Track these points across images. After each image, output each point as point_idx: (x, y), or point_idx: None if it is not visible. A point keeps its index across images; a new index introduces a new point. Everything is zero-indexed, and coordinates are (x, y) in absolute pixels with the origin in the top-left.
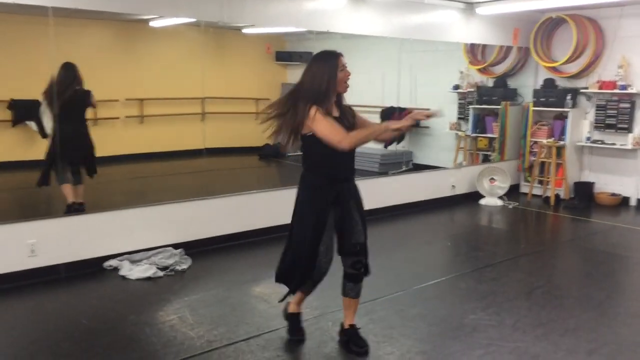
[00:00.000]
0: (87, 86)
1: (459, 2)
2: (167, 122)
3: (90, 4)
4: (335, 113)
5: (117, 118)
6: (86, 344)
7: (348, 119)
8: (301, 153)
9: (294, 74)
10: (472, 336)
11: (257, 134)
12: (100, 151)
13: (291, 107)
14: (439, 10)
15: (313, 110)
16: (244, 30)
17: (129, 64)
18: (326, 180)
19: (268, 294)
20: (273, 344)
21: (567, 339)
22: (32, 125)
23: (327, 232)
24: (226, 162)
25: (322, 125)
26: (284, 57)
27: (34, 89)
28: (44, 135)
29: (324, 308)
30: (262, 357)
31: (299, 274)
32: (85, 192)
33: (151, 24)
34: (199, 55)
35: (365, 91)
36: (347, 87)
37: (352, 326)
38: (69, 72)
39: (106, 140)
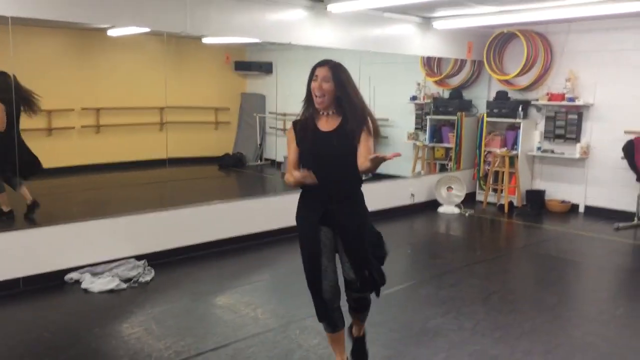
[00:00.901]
0: (42, 95)
1: (417, 16)
2: (125, 132)
3: (53, 14)
4: (327, 126)
5: (73, 128)
6: (50, 359)
7: (345, 137)
8: None
9: (254, 84)
10: (434, 341)
11: (217, 143)
12: (55, 162)
13: None
14: (398, 24)
15: (289, 129)
16: (204, 40)
17: (86, 73)
18: (312, 196)
19: (234, 304)
20: (242, 353)
21: (523, 341)
22: None
23: (325, 253)
24: (186, 172)
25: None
26: (243, 66)
27: None
28: None
29: (290, 317)
30: None
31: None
32: (41, 204)
33: (109, 32)
34: (157, 65)
35: None
36: (318, 100)
37: (357, 338)
38: None
39: (61, 151)
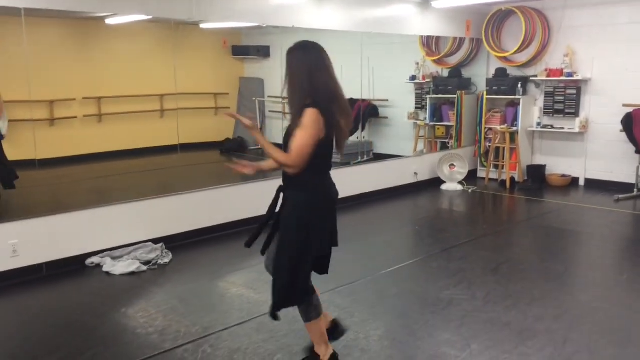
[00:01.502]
0: (43, 85)
1: None
2: (126, 120)
3: (63, 5)
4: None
5: (75, 117)
6: (82, 337)
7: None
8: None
9: (252, 68)
10: (448, 310)
11: (217, 128)
12: (58, 151)
13: None
14: (397, 4)
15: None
16: (202, 25)
17: (86, 63)
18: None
19: (252, 282)
20: (265, 326)
21: (534, 308)
22: None
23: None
24: (188, 158)
25: None
26: (241, 51)
27: None
28: None
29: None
30: (257, 339)
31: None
32: (49, 192)
33: (107, 21)
34: (156, 52)
35: None
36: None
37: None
38: None
39: (64, 141)
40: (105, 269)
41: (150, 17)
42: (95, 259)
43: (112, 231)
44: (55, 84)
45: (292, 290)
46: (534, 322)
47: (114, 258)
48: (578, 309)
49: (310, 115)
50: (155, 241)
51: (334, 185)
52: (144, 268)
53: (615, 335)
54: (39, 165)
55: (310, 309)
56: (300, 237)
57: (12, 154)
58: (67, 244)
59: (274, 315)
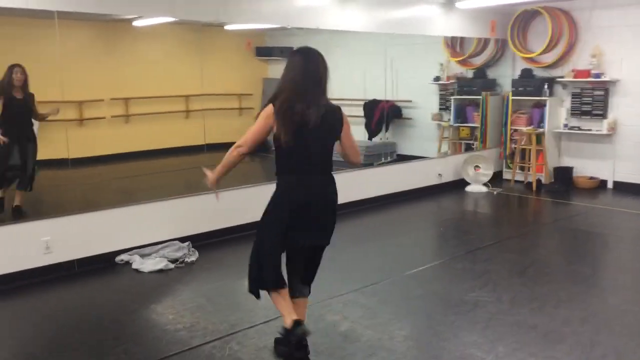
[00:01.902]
0: (73, 86)
1: None
2: (153, 121)
3: (94, 8)
4: None
5: (103, 118)
6: (113, 332)
7: None
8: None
9: (275, 69)
10: (474, 312)
11: (241, 129)
12: (87, 151)
13: None
14: (421, 4)
15: None
16: (226, 27)
17: (113, 64)
18: None
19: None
20: None
21: (561, 310)
22: None
23: None
24: (212, 158)
25: None
26: (265, 52)
27: None
28: None
29: (333, 291)
30: None
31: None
32: (78, 192)
33: (134, 23)
34: (181, 53)
35: (348, 85)
36: None
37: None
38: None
39: (93, 141)
40: (134, 266)
41: (177, 19)
42: (124, 257)
43: (141, 229)
44: (84, 85)
45: (255, 273)
46: (561, 325)
47: (142, 256)
48: (606, 311)
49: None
50: (182, 240)
51: (312, 186)
52: (172, 266)
53: None
54: (71, 164)
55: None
56: (261, 227)
57: (46, 153)
58: (98, 241)
59: (251, 292)
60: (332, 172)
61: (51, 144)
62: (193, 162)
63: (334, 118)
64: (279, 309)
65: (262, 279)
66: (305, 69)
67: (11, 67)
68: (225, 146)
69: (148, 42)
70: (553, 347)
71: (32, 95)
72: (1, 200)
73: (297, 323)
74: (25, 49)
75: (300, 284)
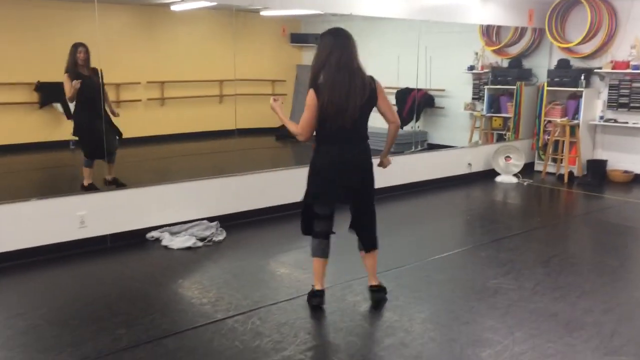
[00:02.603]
0: (110, 70)
1: None
2: (187, 104)
3: None
4: None
5: (139, 100)
6: (142, 303)
7: None
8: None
9: (309, 56)
10: (495, 298)
11: (274, 114)
12: (124, 133)
13: None
14: None
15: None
16: (262, 13)
17: (150, 48)
18: None
19: (301, 262)
20: None
21: (583, 300)
22: (58, 107)
23: None
24: (245, 142)
25: None
26: (299, 39)
27: (59, 72)
28: (69, 116)
29: (354, 273)
30: (304, 314)
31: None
32: (115, 171)
33: (172, 7)
34: (217, 39)
35: (381, 72)
36: None
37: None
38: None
39: (129, 123)
40: (163, 243)
41: (214, 3)
42: (155, 234)
43: (171, 208)
44: (121, 68)
45: (303, 220)
46: (582, 315)
47: (172, 233)
48: (630, 303)
49: (308, 95)
50: (211, 219)
51: (347, 151)
52: (200, 244)
53: None
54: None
55: (315, 247)
56: (308, 185)
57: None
58: (130, 218)
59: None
60: (367, 140)
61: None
62: (225, 146)
63: (370, 89)
64: (314, 272)
65: (304, 225)
66: (339, 47)
67: (75, 46)
68: (257, 131)
69: (184, 27)
70: (571, 335)
71: (97, 71)
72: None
73: (317, 294)
74: (64, 31)
75: (361, 236)
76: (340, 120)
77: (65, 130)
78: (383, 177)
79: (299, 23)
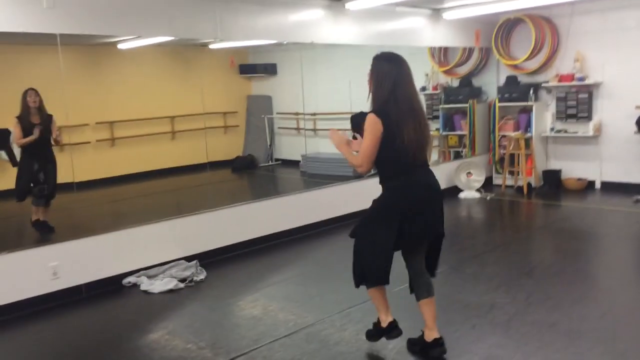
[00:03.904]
0: (56, 112)
1: (427, 8)
2: (139, 143)
3: (96, 30)
4: None
5: (89, 142)
6: (136, 354)
7: None
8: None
9: (259, 86)
10: (492, 313)
11: (227, 147)
12: (73, 177)
13: None
14: (410, 17)
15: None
16: (211, 46)
17: (98, 88)
18: None
19: (292, 294)
20: (315, 337)
21: (577, 308)
22: (2, 154)
23: None
24: (201, 177)
25: None
26: (248, 69)
27: (3, 118)
28: (14, 164)
29: (350, 302)
30: (309, 348)
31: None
32: (72, 216)
33: (119, 46)
34: (165, 75)
35: (332, 98)
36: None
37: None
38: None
39: (79, 166)
40: (142, 287)
41: (177, 38)
42: (131, 279)
43: (146, 250)
44: (69, 110)
45: (359, 269)
46: (580, 323)
47: (149, 277)
48: (620, 308)
49: (369, 120)
50: (188, 259)
51: (419, 183)
52: (181, 285)
53: None
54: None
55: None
56: (371, 228)
57: None
58: (104, 264)
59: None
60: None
61: None
62: (181, 183)
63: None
64: (376, 305)
65: (366, 276)
66: (399, 74)
67: (25, 92)
68: (211, 165)
69: (132, 65)
70: (575, 344)
71: (50, 117)
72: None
73: (395, 327)
74: (6, 74)
75: (422, 281)
76: (419, 156)
77: (10, 179)
78: (351, 203)
79: (246, 54)
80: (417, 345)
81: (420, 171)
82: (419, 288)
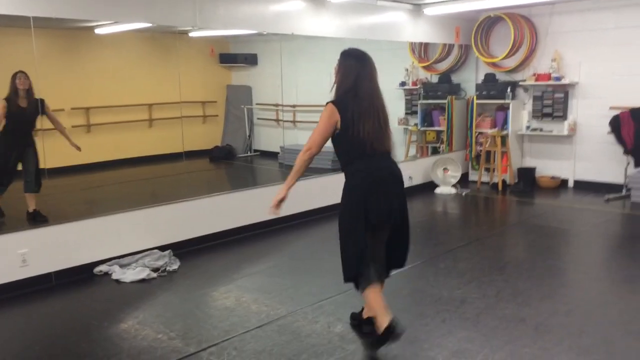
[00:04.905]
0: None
1: (408, 3)
2: (115, 130)
3: (70, 13)
4: None
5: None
6: (105, 343)
7: None
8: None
9: (239, 76)
10: (463, 307)
11: (206, 136)
12: (47, 163)
13: None
14: (391, 11)
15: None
16: (191, 34)
17: (74, 73)
18: None
19: (265, 286)
20: (286, 328)
21: (545, 304)
22: None
23: None
24: (179, 166)
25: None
26: (229, 59)
27: None
28: None
29: (327, 293)
30: (280, 340)
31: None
32: (42, 203)
33: (96, 31)
34: (144, 61)
35: (312, 90)
36: None
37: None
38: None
39: (53, 152)
40: (114, 276)
41: (155, 24)
42: (103, 267)
43: (119, 239)
44: (44, 95)
45: (344, 259)
46: (548, 317)
47: (122, 266)
48: (587, 303)
49: (326, 108)
50: (162, 248)
51: (379, 166)
52: (154, 275)
53: (629, 326)
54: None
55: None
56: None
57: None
58: (75, 252)
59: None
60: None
61: None
62: (158, 171)
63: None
64: (373, 307)
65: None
66: (362, 70)
67: (14, 75)
68: (189, 154)
69: (110, 51)
70: (543, 338)
71: (38, 101)
72: None
73: (395, 325)
74: None
75: (383, 268)
76: (378, 147)
77: None
78: (324, 197)
79: (227, 43)
80: (355, 319)
81: (380, 157)
82: (381, 273)
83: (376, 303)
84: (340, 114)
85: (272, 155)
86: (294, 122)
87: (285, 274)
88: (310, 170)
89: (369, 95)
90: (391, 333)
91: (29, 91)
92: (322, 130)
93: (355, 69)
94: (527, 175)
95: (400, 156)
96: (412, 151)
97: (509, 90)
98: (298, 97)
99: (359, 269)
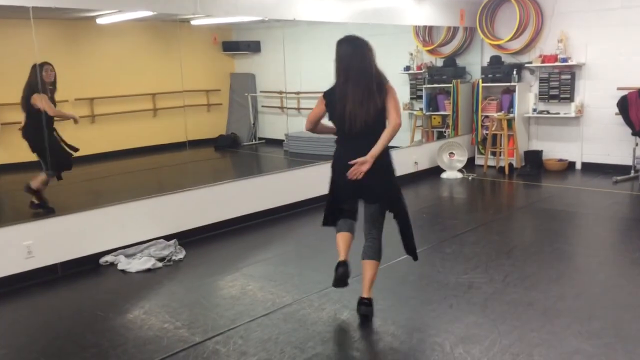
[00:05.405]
0: None
1: None
2: (119, 120)
3: (70, 2)
4: None
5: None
6: (111, 334)
7: None
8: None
9: (243, 64)
10: (470, 292)
11: (210, 125)
12: None
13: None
14: None
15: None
16: (193, 22)
17: (77, 63)
18: None
19: (270, 274)
20: (292, 316)
21: (553, 288)
22: None
23: None
24: (183, 155)
25: None
26: (232, 47)
27: None
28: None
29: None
30: (286, 328)
31: None
32: (48, 194)
33: (98, 21)
34: (147, 51)
35: (316, 77)
36: None
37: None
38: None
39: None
40: (120, 267)
41: (155, 13)
42: (109, 258)
43: (124, 229)
44: None
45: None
46: (556, 302)
47: (127, 256)
48: (596, 287)
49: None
50: (167, 238)
51: (352, 151)
52: (160, 264)
53: (639, 310)
54: (38, 167)
55: (340, 224)
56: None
57: (10, 157)
58: (80, 243)
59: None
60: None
61: (13, 147)
62: (163, 160)
63: (378, 93)
64: (337, 247)
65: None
66: (352, 56)
67: (40, 66)
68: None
69: (112, 41)
70: (552, 323)
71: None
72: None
73: (340, 264)
74: None
75: (367, 244)
76: (354, 128)
77: None
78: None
79: (230, 31)
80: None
81: (355, 140)
82: (364, 249)
83: (338, 245)
84: (326, 100)
85: (277, 142)
86: (298, 109)
87: (291, 262)
88: (316, 158)
89: (356, 75)
90: (335, 270)
91: (54, 83)
92: (312, 113)
93: (347, 54)
94: (534, 158)
95: (405, 141)
96: (418, 136)
97: (514, 72)
98: (302, 84)
99: (326, 223)
